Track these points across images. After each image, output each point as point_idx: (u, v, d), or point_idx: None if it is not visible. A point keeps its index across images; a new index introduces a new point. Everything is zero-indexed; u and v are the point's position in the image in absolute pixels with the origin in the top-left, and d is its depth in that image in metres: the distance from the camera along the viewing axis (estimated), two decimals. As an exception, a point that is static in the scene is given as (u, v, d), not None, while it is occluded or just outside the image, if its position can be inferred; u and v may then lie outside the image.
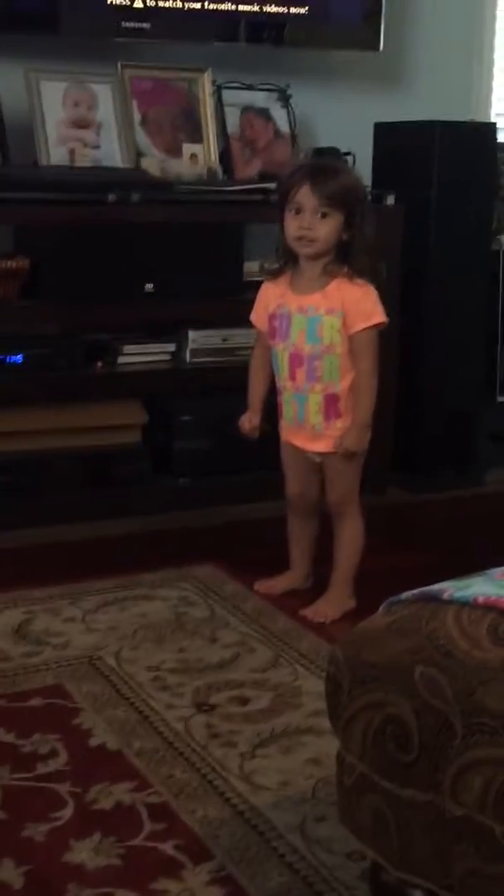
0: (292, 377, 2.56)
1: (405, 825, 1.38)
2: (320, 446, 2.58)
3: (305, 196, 2.44)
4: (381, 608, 1.54)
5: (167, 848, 1.74)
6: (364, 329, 2.49)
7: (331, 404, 2.54)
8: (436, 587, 1.50)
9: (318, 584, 2.70)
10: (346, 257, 2.48)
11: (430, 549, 3.05)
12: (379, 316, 2.50)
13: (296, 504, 2.70)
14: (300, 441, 2.61)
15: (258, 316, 2.64)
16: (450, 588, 1.48)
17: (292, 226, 2.47)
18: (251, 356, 2.72)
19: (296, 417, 2.58)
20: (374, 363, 2.52)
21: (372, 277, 2.50)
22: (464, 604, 1.43)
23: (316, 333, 2.50)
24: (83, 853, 1.72)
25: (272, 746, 2.04)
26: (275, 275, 2.59)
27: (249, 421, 2.67)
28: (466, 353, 3.56)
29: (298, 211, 2.46)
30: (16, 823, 1.79)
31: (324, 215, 2.44)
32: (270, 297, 2.60)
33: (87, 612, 2.59)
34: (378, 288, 2.51)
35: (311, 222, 2.45)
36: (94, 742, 2.05)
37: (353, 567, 2.64)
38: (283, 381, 2.59)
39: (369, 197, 2.69)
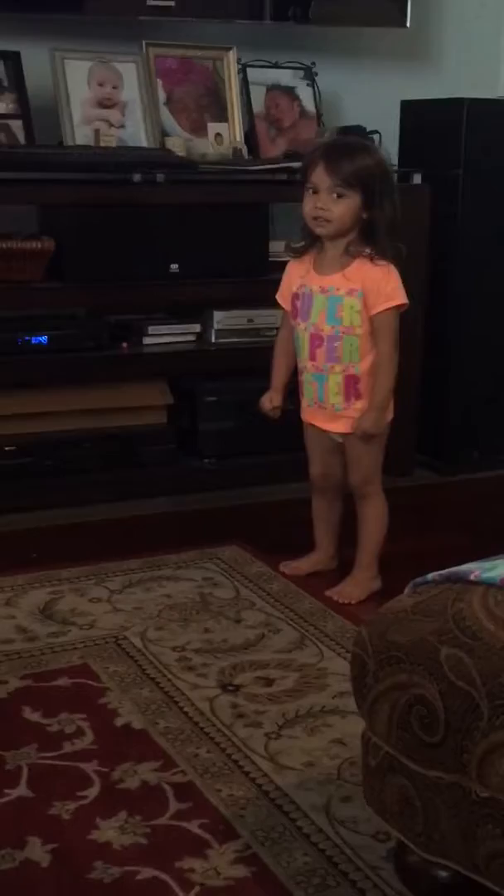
0: (312, 357, 2.55)
1: (431, 806, 1.38)
2: (340, 427, 2.57)
3: (320, 176, 2.42)
4: (406, 589, 1.54)
5: (192, 827, 1.74)
6: (384, 310, 2.48)
7: (350, 385, 2.53)
8: (462, 568, 1.49)
9: (344, 565, 2.70)
10: (371, 237, 2.46)
11: (455, 530, 3.04)
12: (400, 297, 2.49)
13: (319, 485, 2.69)
14: (321, 421, 2.60)
15: (283, 296, 2.63)
16: (476, 569, 1.47)
17: (308, 205, 2.46)
18: (277, 336, 2.70)
19: (316, 398, 2.57)
20: (393, 345, 2.50)
21: (394, 258, 2.48)
22: (490, 585, 1.43)
23: (336, 314, 2.49)
24: (109, 832, 1.73)
25: (297, 727, 2.04)
26: (299, 253, 2.57)
27: (270, 401, 2.67)
28: (493, 334, 3.53)
29: (315, 191, 2.44)
30: (43, 802, 1.80)
31: (339, 196, 2.42)
32: (294, 276, 2.59)
33: (113, 592, 2.60)
34: (399, 269, 2.49)
35: (325, 202, 2.43)
36: (119, 721, 2.06)
37: (378, 548, 2.63)
38: (303, 362, 2.58)
39: (394, 176, 2.66)
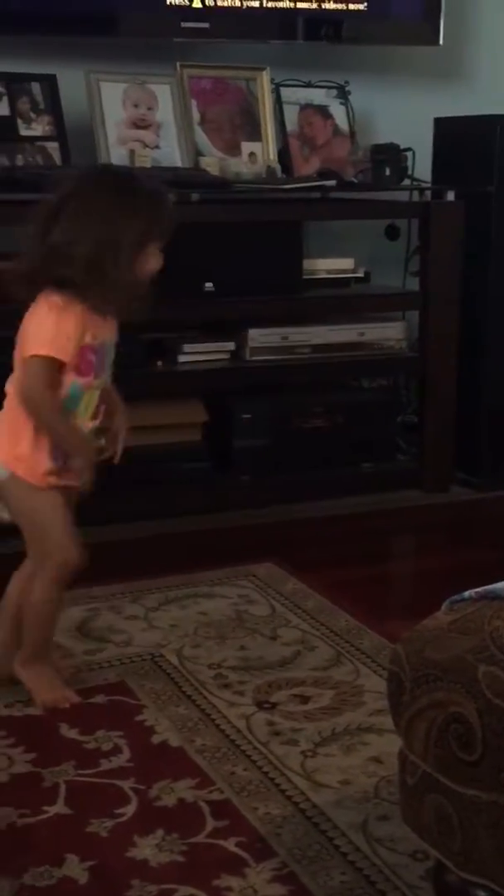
0: (96, 415, 2.18)
1: (469, 825, 1.37)
2: None
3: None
4: (443, 606, 1.53)
5: (229, 845, 1.74)
6: None
7: None
8: (499, 585, 1.48)
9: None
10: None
11: (492, 547, 3.02)
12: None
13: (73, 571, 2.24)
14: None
15: (67, 350, 2.04)
16: (513, 586, 1.46)
17: (157, 264, 2.12)
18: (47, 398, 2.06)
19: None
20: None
21: None
22: (527, 602, 1.42)
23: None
24: (147, 849, 1.73)
25: (334, 745, 2.03)
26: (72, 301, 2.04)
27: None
28: (529, 350, 3.52)
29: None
30: (80, 819, 1.81)
31: None
32: (79, 326, 2.05)
33: (149, 609, 2.61)
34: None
35: None
36: (156, 739, 2.06)
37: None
38: (86, 421, 2.15)
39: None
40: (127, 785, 1.91)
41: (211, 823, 1.80)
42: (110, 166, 2.12)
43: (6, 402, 2.08)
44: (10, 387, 2.08)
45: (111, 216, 2.00)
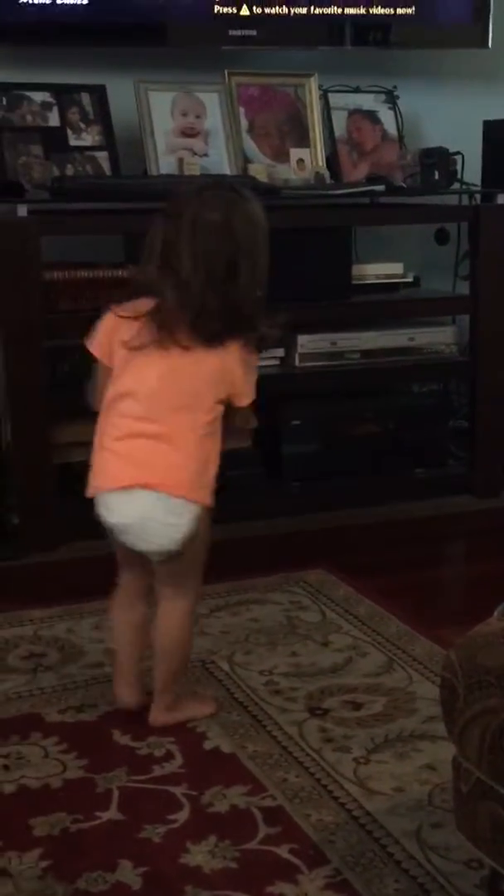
0: None
1: (524, 833, 1.36)
2: None
3: None
4: (496, 612, 1.52)
5: (282, 852, 1.74)
6: None
7: None
8: (553, 591, 1.47)
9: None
10: None
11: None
12: None
13: None
14: None
15: None
16: None
17: None
18: None
19: None
20: None
21: None
22: None
23: None
24: (199, 855, 1.73)
25: (386, 751, 2.02)
26: None
27: None
28: None
29: None
30: (133, 825, 1.81)
31: None
32: None
33: (201, 616, 2.61)
34: None
35: None
36: (208, 745, 2.06)
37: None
38: None
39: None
40: (179, 791, 1.91)
41: (263, 830, 1.80)
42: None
43: (179, 441, 2.00)
44: (182, 425, 2.01)
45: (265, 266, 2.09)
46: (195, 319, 1.97)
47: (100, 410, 2.06)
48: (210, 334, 1.98)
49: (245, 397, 2.07)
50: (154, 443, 1.98)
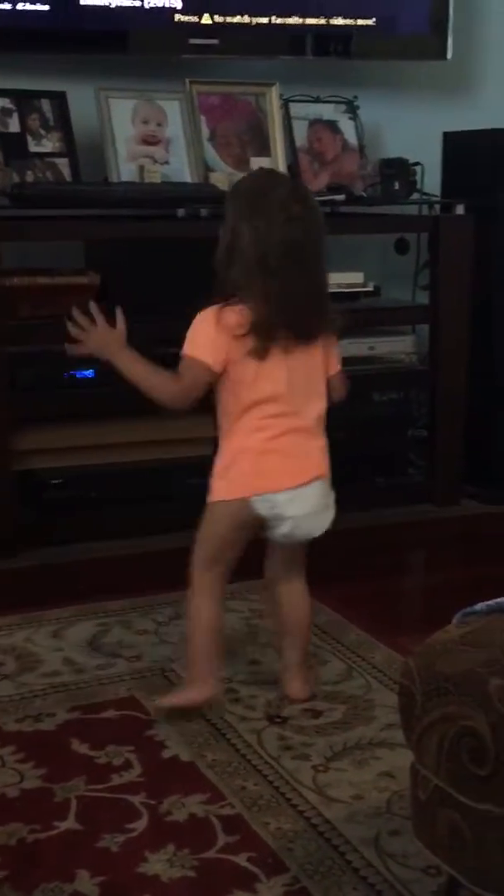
0: None
1: (482, 840, 1.37)
2: None
3: None
4: (454, 620, 1.53)
5: (241, 860, 1.74)
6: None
7: None
8: (510, 598, 1.48)
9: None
10: None
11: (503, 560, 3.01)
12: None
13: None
14: None
15: None
16: (524, 599, 1.46)
17: None
18: None
19: None
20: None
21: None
22: (539, 615, 1.42)
23: None
24: (157, 864, 1.72)
25: (345, 759, 2.03)
26: None
27: None
28: (539, 363, 3.52)
29: None
30: (91, 834, 1.80)
31: None
32: None
33: (160, 624, 2.61)
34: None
35: None
36: (167, 754, 2.06)
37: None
38: None
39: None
40: (138, 800, 1.90)
41: (222, 838, 1.79)
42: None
43: (318, 429, 2.20)
44: (316, 413, 2.19)
45: None
46: (297, 319, 2.09)
47: (182, 408, 2.22)
48: (313, 329, 2.14)
49: (339, 363, 2.27)
50: (306, 435, 2.16)
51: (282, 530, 2.17)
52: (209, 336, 2.12)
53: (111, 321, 2.25)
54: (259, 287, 2.06)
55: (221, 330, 2.10)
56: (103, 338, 2.24)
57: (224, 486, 2.17)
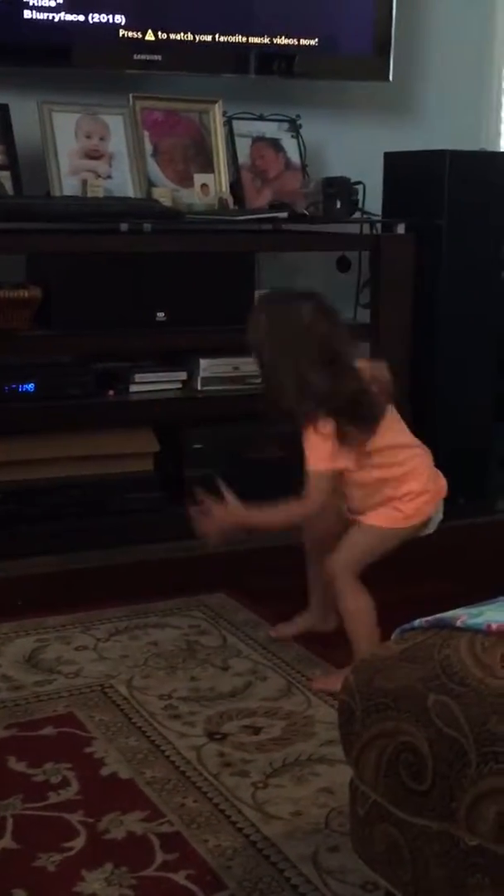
0: None
1: (419, 855, 1.37)
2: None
3: None
4: (393, 635, 1.53)
5: (179, 878, 1.73)
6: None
7: None
8: (448, 614, 1.49)
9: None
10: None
11: (442, 577, 3.03)
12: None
13: (310, 544, 2.65)
14: None
15: None
16: (462, 615, 1.47)
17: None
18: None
19: None
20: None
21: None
22: (477, 631, 1.43)
23: None
24: (95, 884, 1.71)
25: (285, 776, 2.03)
26: None
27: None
28: (478, 382, 3.56)
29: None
30: (27, 853, 1.78)
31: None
32: None
33: (99, 640, 2.59)
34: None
35: None
36: (105, 771, 2.04)
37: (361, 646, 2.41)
38: None
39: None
40: (75, 818, 1.88)
41: (160, 856, 1.78)
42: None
43: None
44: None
45: None
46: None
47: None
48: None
49: None
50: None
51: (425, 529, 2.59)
52: (329, 449, 2.45)
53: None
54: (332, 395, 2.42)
55: (331, 443, 2.46)
56: (226, 512, 2.43)
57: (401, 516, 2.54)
